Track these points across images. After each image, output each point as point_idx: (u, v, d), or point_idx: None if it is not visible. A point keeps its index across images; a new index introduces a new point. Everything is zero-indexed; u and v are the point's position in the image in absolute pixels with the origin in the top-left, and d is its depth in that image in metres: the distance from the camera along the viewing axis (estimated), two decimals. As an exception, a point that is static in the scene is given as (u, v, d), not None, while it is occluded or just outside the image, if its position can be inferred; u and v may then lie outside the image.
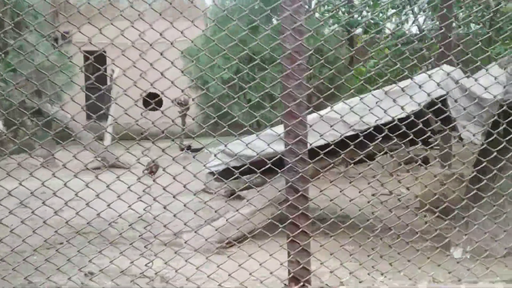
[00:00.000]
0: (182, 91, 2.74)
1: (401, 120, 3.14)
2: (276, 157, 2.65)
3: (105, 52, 2.71)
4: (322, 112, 3.71)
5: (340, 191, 2.75)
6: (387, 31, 10.24)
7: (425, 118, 3.01)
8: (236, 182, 5.77)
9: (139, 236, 2.67)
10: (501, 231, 3.59)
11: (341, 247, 2.63)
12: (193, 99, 9.70)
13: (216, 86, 7.83)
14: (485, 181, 3.22)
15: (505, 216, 3.63)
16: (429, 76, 3.13)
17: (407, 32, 10.12)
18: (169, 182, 2.54)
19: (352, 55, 7.57)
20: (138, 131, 2.48)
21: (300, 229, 2.38)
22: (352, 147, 2.84)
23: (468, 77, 3.74)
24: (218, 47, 2.72)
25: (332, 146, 2.91)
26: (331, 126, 2.95)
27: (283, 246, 2.46)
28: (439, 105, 3.06)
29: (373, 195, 3.41)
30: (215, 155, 4.62)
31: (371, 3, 9.67)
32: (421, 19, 10.47)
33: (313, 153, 2.87)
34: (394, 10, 10.43)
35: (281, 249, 2.50)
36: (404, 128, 2.89)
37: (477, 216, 3.69)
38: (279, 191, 2.61)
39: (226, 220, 3.40)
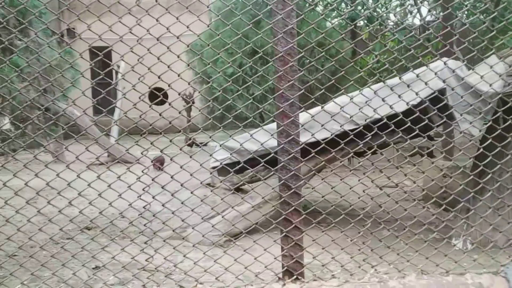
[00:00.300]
0: (189, 83, 2.79)
1: (395, 116, 3.17)
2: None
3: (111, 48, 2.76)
4: (324, 106, 3.77)
5: (341, 179, 2.83)
6: (391, 24, 10.23)
7: (423, 109, 3.03)
8: (241, 176, 5.84)
9: (140, 232, 2.73)
10: (504, 222, 3.64)
11: (332, 241, 2.69)
12: (199, 92, 9.74)
13: (220, 80, 7.88)
14: (487, 173, 3.25)
15: (509, 208, 3.69)
16: (433, 71, 3.16)
17: (410, 24, 10.09)
18: (175, 175, 2.59)
19: (354, 48, 7.59)
20: (145, 125, 2.53)
21: (293, 225, 2.45)
22: (346, 141, 2.88)
23: (469, 69, 3.77)
24: (222, 41, 2.78)
25: (323, 142, 2.93)
26: (331, 118, 2.99)
27: (276, 241, 2.54)
28: (436, 94, 3.09)
29: (380, 188, 3.46)
30: (220, 145, 4.67)
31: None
32: (424, 11, 10.44)
33: (316, 146, 2.92)
34: (397, 2, 10.39)
35: (275, 244, 2.58)
36: (408, 122, 2.93)
37: (478, 207, 3.74)
38: (272, 188, 2.68)
39: (222, 216, 3.45)
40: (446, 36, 5.76)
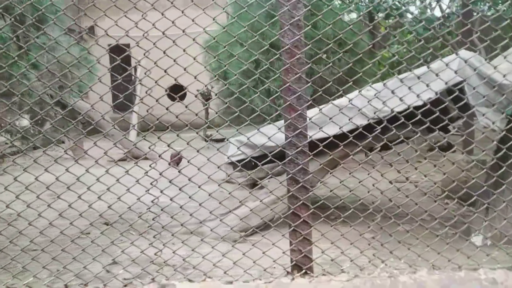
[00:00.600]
0: (205, 86, 2.80)
1: (417, 108, 3.13)
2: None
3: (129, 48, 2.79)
4: (340, 100, 3.74)
5: (349, 173, 2.80)
6: (409, 16, 10.07)
7: (443, 106, 2.98)
8: (258, 171, 5.82)
9: (148, 226, 2.77)
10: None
11: (342, 236, 2.68)
12: (214, 92, 9.77)
13: (236, 77, 7.87)
14: (505, 168, 3.18)
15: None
16: (446, 64, 3.10)
17: (429, 16, 9.92)
18: (192, 171, 2.62)
19: (373, 41, 7.50)
20: (165, 121, 2.55)
21: (301, 219, 2.42)
22: (359, 137, 2.85)
23: (488, 62, 3.68)
24: (237, 39, 2.77)
25: (330, 137, 2.91)
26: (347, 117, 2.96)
27: (285, 236, 2.54)
28: (457, 93, 3.04)
29: (390, 182, 3.41)
30: (237, 147, 4.68)
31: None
32: (443, 4, 10.25)
33: (331, 142, 2.90)
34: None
35: (285, 238, 2.57)
36: (418, 115, 2.88)
37: (497, 202, 3.67)
38: (280, 183, 2.66)
39: (229, 212, 3.41)
40: (467, 29, 5.63)
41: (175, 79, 2.66)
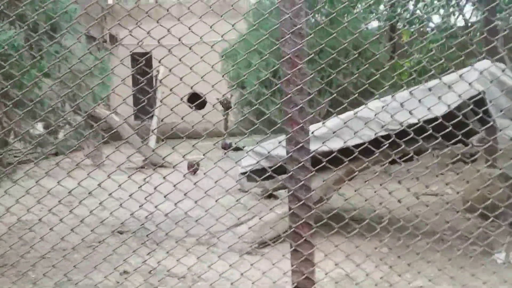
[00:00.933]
0: (223, 95, 2.76)
1: (434, 119, 3.03)
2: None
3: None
4: (356, 111, 3.66)
5: (355, 191, 2.70)
6: (431, 25, 9.91)
7: (458, 118, 2.87)
8: (272, 181, 5.76)
9: (147, 235, 2.72)
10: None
11: (346, 257, 2.58)
12: (233, 101, 9.77)
13: (253, 86, 7.87)
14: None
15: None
16: (460, 76, 2.99)
17: (452, 25, 9.75)
18: (209, 182, 2.56)
19: (393, 50, 7.39)
20: (183, 130, 2.52)
21: (303, 238, 2.29)
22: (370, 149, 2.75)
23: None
24: (255, 47, 2.71)
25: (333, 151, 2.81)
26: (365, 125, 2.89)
27: (286, 256, 2.43)
28: (471, 106, 2.93)
29: (389, 193, 3.28)
30: (247, 153, 4.62)
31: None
32: (467, 13, 10.07)
33: (347, 152, 2.82)
34: (438, 2, 10.05)
35: (284, 258, 2.48)
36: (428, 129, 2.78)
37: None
38: (288, 192, 2.57)
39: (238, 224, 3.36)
40: (490, 37, 5.48)
41: (191, 87, 2.62)
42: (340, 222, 2.67)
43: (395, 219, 2.95)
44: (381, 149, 2.68)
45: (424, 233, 2.78)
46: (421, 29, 9.32)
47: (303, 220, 2.26)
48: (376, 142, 3.02)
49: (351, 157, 2.66)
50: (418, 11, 9.88)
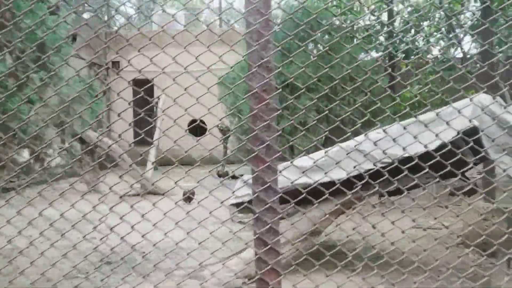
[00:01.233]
0: (220, 120, 2.72)
1: (429, 153, 2.99)
2: (310, 187, 2.54)
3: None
4: (348, 143, 3.62)
5: (337, 225, 2.63)
6: (430, 56, 9.96)
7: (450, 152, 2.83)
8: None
9: (132, 267, 2.63)
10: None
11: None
12: (228, 128, 9.74)
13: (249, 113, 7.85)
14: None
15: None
16: (458, 111, 2.96)
17: (450, 57, 9.81)
18: (202, 209, 2.47)
19: (392, 81, 7.40)
20: (180, 156, 2.47)
21: (270, 286, 2.12)
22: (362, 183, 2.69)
23: (504, 107, 3.53)
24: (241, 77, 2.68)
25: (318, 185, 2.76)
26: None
27: None
28: (471, 142, 2.89)
29: (402, 231, 3.21)
30: (245, 182, 4.55)
31: (413, 29, 9.44)
32: (465, 45, 10.13)
33: (342, 185, 2.76)
34: (437, 34, 10.13)
35: None
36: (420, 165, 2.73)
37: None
38: (292, 224, 2.50)
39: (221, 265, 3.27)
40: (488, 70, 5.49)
41: (188, 113, 2.57)
42: (321, 258, 2.59)
43: (390, 255, 2.86)
44: (359, 186, 2.60)
45: (411, 268, 2.70)
46: (420, 60, 9.37)
47: (269, 267, 2.08)
48: (372, 175, 2.97)
49: (328, 192, 2.57)
50: (416, 43, 9.96)
